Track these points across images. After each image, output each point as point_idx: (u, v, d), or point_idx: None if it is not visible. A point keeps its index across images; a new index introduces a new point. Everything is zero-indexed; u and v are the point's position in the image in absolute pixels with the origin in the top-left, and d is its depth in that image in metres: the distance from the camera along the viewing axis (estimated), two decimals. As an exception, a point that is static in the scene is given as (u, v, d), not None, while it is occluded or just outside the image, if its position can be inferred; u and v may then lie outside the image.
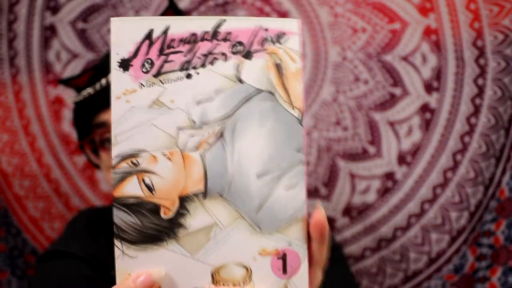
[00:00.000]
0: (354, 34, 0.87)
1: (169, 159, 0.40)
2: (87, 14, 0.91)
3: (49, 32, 0.92)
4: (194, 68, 0.40)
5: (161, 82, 0.40)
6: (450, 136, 0.86)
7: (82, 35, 0.92)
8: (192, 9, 0.89)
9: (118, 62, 0.39)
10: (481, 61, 0.84)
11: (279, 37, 0.40)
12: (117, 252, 0.40)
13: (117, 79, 0.39)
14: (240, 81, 0.40)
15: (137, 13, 0.90)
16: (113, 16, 0.40)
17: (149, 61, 0.40)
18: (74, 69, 0.92)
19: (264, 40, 0.40)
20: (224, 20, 0.40)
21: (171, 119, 0.39)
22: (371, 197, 0.89)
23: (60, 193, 0.95)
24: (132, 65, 0.39)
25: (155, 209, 0.40)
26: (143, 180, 0.40)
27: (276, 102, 0.40)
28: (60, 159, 0.94)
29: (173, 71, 0.40)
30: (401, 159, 0.88)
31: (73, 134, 0.93)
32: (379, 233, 0.89)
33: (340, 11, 0.87)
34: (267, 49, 0.40)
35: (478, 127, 0.85)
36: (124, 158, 0.39)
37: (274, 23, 0.40)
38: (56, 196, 0.94)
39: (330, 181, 0.90)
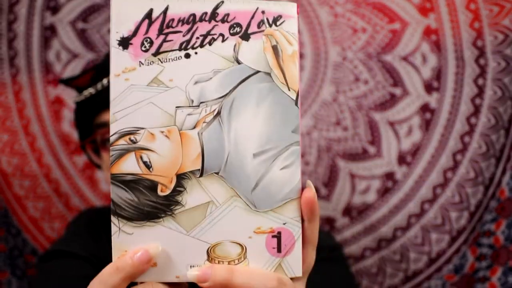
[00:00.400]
0: (354, 34, 0.87)
1: (167, 137, 0.40)
2: (87, 14, 0.91)
3: (49, 32, 0.92)
4: (193, 48, 0.40)
5: (160, 61, 0.40)
6: (450, 136, 0.86)
7: (82, 35, 0.92)
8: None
9: (117, 40, 0.40)
10: (481, 61, 0.84)
11: (276, 20, 0.41)
12: (113, 228, 0.40)
13: (116, 57, 0.40)
14: (238, 61, 0.40)
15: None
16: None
17: (148, 40, 0.40)
18: (74, 69, 0.92)
19: (261, 22, 0.40)
20: (223, 1, 0.40)
21: (169, 97, 0.40)
22: (371, 197, 0.89)
23: (60, 193, 0.95)
24: (131, 44, 0.40)
25: (152, 186, 0.40)
26: (141, 157, 0.40)
27: (273, 83, 0.40)
28: (60, 159, 0.94)
29: (172, 50, 0.40)
30: (401, 159, 0.88)
31: (73, 134, 0.93)
32: (379, 233, 0.89)
33: (340, 11, 0.87)
34: (264, 31, 0.40)
35: (478, 127, 0.85)
36: (122, 135, 0.40)
37: (272, 6, 0.41)
38: (56, 196, 0.94)
39: (330, 181, 0.90)
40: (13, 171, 0.93)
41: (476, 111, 0.85)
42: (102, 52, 0.92)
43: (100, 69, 0.73)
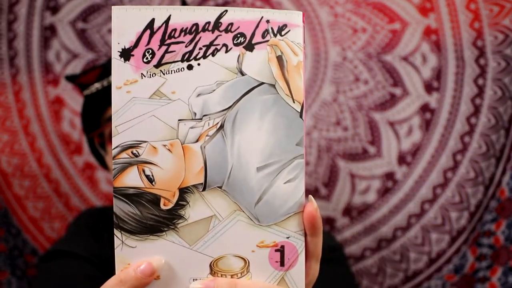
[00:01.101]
0: (354, 34, 0.87)
1: (170, 150, 0.39)
2: (87, 14, 0.91)
3: (49, 32, 0.92)
4: (196, 59, 0.39)
5: (162, 72, 0.39)
6: (450, 136, 0.86)
7: (82, 35, 0.92)
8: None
9: (119, 51, 0.39)
10: (481, 61, 0.84)
11: (281, 29, 0.39)
12: (116, 242, 0.40)
13: (118, 69, 0.39)
14: (242, 73, 0.39)
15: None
16: (113, 16, 0.40)
17: (150, 51, 0.39)
18: (74, 69, 0.92)
19: (266, 32, 0.39)
20: (226, 10, 0.39)
21: (172, 110, 0.39)
22: (371, 197, 0.89)
23: (60, 193, 0.95)
24: (133, 55, 0.39)
25: (155, 200, 0.40)
26: (144, 171, 0.40)
27: (277, 95, 0.40)
28: (60, 159, 0.94)
29: (174, 61, 0.39)
30: (401, 159, 0.88)
31: (73, 134, 0.93)
32: (379, 233, 0.89)
33: (340, 11, 0.87)
34: (269, 41, 0.39)
35: (478, 127, 0.85)
36: (124, 148, 0.39)
37: (276, 15, 0.39)
38: (56, 196, 0.94)
39: (330, 181, 0.90)
40: (13, 171, 0.93)
41: (476, 111, 0.85)
42: (102, 52, 0.92)
43: (108, 66, 0.73)
